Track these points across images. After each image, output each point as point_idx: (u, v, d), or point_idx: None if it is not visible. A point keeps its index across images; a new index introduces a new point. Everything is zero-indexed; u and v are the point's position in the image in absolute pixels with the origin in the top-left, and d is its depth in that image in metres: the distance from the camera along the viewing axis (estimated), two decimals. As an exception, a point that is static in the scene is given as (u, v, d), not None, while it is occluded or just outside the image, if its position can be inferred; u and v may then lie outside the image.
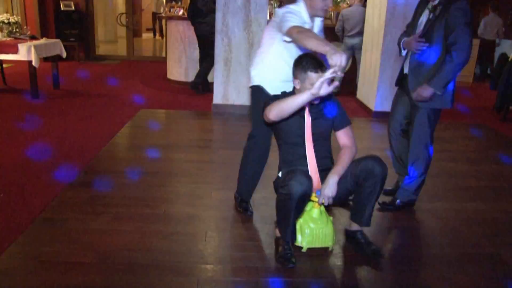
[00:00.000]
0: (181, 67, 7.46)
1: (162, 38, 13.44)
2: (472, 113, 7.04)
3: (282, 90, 2.80)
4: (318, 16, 2.91)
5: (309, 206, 2.71)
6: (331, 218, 2.80)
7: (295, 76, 2.61)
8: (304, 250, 2.71)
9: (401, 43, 3.28)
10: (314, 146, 2.70)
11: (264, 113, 2.60)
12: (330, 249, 2.79)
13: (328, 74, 2.26)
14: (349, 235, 2.83)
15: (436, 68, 3.03)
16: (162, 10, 10.70)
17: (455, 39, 2.92)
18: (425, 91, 3.03)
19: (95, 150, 4.25)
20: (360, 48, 6.99)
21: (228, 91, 5.87)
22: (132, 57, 10.53)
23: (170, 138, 4.80)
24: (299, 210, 2.56)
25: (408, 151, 3.37)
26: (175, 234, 2.86)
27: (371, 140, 5.45)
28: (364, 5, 6.99)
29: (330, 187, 2.52)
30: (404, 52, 3.29)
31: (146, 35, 15.19)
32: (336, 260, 2.75)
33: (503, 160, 4.96)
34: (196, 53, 7.27)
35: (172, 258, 2.61)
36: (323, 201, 2.56)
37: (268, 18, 6.52)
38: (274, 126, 2.77)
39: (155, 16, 13.35)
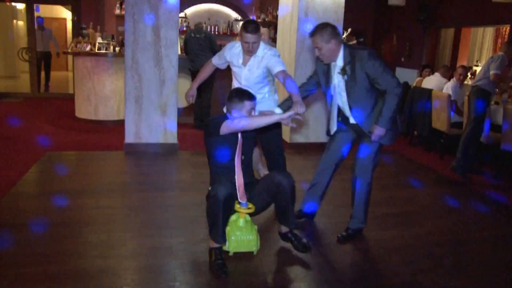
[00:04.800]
0: (91, 105, 7.14)
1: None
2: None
3: None
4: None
5: (235, 216, 3.14)
6: (255, 226, 3.20)
7: (232, 107, 3.10)
8: (231, 253, 3.10)
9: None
10: (242, 162, 3.14)
11: (227, 125, 2.99)
12: (254, 253, 3.17)
13: (293, 113, 2.95)
14: (282, 237, 3.32)
15: (378, 109, 3.29)
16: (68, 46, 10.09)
17: (384, 87, 3.20)
18: (379, 131, 3.26)
19: (-7, 202, 3.87)
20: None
21: (140, 130, 5.68)
22: (37, 94, 9.93)
23: (79, 182, 4.50)
24: (226, 212, 2.95)
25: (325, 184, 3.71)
26: (87, 293, 2.64)
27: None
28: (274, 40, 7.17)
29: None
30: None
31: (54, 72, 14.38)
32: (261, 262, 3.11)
33: (413, 184, 5.21)
34: (105, 90, 7.02)
35: (83, 321, 2.38)
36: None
37: (179, 53, 6.45)
38: (211, 142, 3.10)
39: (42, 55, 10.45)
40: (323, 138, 6.28)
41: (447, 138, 6.42)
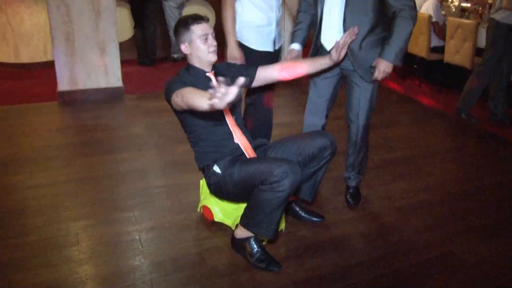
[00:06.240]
0: (8, 45, 5.83)
1: None
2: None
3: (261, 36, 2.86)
4: None
5: None
6: None
7: (181, 41, 2.28)
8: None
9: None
10: (235, 120, 2.40)
11: (174, 99, 2.11)
12: (284, 230, 2.58)
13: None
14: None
15: (379, 36, 2.53)
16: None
17: (398, 5, 2.42)
18: (386, 67, 2.49)
19: None
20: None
21: (76, 74, 4.63)
22: None
23: (2, 150, 3.51)
24: None
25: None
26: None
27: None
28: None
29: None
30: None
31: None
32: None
33: (401, 121, 4.62)
34: (25, 26, 5.76)
35: None
36: None
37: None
38: (181, 115, 2.31)
39: None
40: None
41: (423, 64, 5.82)
